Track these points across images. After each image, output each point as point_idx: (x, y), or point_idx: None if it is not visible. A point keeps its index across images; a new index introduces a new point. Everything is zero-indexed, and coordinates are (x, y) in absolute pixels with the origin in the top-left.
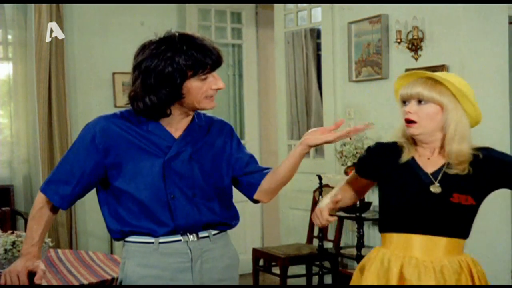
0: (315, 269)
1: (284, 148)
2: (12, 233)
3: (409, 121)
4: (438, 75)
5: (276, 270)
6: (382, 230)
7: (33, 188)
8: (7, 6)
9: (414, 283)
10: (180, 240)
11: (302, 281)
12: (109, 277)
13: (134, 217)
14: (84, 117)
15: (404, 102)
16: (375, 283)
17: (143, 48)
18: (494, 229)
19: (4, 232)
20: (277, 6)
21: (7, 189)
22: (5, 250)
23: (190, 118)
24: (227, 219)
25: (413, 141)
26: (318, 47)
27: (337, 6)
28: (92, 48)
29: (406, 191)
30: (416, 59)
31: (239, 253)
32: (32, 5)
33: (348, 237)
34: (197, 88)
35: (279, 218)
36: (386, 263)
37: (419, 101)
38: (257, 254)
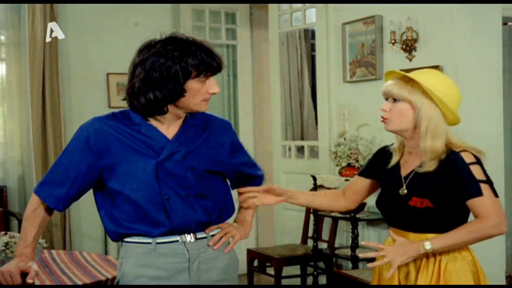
0: (310, 270)
1: (279, 148)
2: (6, 234)
3: (383, 118)
4: (414, 74)
5: (271, 270)
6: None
7: (26, 189)
8: (0, 6)
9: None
10: (178, 240)
11: (297, 281)
12: (103, 278)
13: (129, 219)
14: (78, 118)
15: (386, 99)
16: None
17: (149, 46)
18: None
19: None
20: (272, 7)
21: (1, 190)
22: None
23: (182, 118)
24: (221, 219)
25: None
26: (312, 48)
27: (331, 6)
28: (86, 48)
29: (385, 193)
30: (410, 60)
31: (236, 254)
32: (26, 5)
33: (343, 238)
34: (196, 90)
35: (274, 218)
36: None
37: (394, 99)
38: (251, 254)
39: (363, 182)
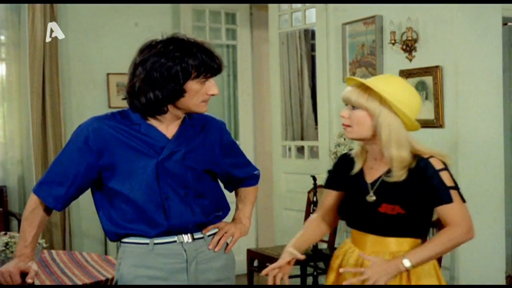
0: (310, 270)
1: (279, 148)
2: (5, 234)
3: (344, 125)
4: (373, 81)
5: None
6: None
7: (26, 189)
8: (0, 6)
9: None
10: (175, 241)
11: (297, 281)
12: (103, 278)
13: (127, 219)
14: (78, 118)
15: (347, 105)
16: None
17: (150, 46)
18: (488, 230)
19: None
20: (272, 7)
21: (1, 190)
22: None
23: (181, 119)
24: (218, 219)
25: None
26: (312, 48)
27: (331, 7)
28: (86, 48)
29: (350, 199)
30: (410, 60)
31: (233, 254)
32: (26, 5)
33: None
34: (195, 91)
35: (274, 219)
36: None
37: (353, 106)
38: (251, 255)
39: (334, 196)
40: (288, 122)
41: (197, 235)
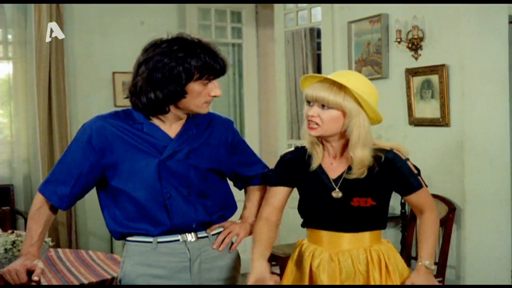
0: None
1: (284, 147)
2: (12, 232)
3: (310, 123)
4: (342, 80)
5: (276, 269)
6: (304, 226)
7: (33, 188)
8: (7, 6)
9: (320, 275)
10: (179, 240)
11: None
12: (109, 277)
13: (130, 218)
14: (84, 117)
15: (309, 102)
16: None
17: (154, 45)
18: (494, 229)
19: (4, 231)
20: (277, 6)
21: (7, 188)
22: (5, 249)
23: (185, 118)
24: (223, 218)
25: (322, 144)
26: (318, 47)
27: (337, 5)
28: (92, 47)
29: (313, 197)
30: (416, 58)
31: (239, 253)
32: (32, 4)
33: None
34: (197, 92)
35: None
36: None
37: (323, 105)
38: None
39: (285, 193)
40: (294, 120)
41: (201, 234)
